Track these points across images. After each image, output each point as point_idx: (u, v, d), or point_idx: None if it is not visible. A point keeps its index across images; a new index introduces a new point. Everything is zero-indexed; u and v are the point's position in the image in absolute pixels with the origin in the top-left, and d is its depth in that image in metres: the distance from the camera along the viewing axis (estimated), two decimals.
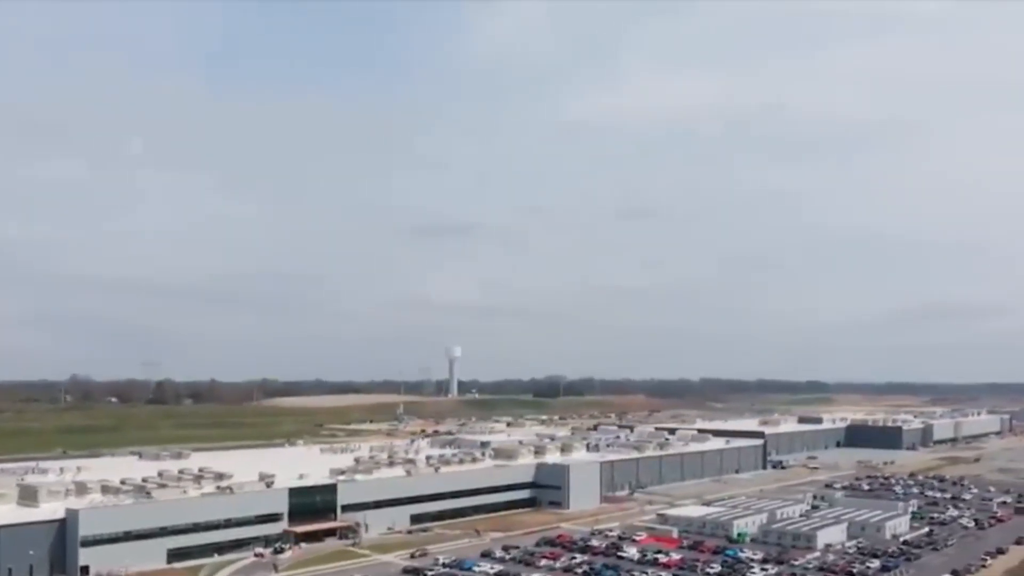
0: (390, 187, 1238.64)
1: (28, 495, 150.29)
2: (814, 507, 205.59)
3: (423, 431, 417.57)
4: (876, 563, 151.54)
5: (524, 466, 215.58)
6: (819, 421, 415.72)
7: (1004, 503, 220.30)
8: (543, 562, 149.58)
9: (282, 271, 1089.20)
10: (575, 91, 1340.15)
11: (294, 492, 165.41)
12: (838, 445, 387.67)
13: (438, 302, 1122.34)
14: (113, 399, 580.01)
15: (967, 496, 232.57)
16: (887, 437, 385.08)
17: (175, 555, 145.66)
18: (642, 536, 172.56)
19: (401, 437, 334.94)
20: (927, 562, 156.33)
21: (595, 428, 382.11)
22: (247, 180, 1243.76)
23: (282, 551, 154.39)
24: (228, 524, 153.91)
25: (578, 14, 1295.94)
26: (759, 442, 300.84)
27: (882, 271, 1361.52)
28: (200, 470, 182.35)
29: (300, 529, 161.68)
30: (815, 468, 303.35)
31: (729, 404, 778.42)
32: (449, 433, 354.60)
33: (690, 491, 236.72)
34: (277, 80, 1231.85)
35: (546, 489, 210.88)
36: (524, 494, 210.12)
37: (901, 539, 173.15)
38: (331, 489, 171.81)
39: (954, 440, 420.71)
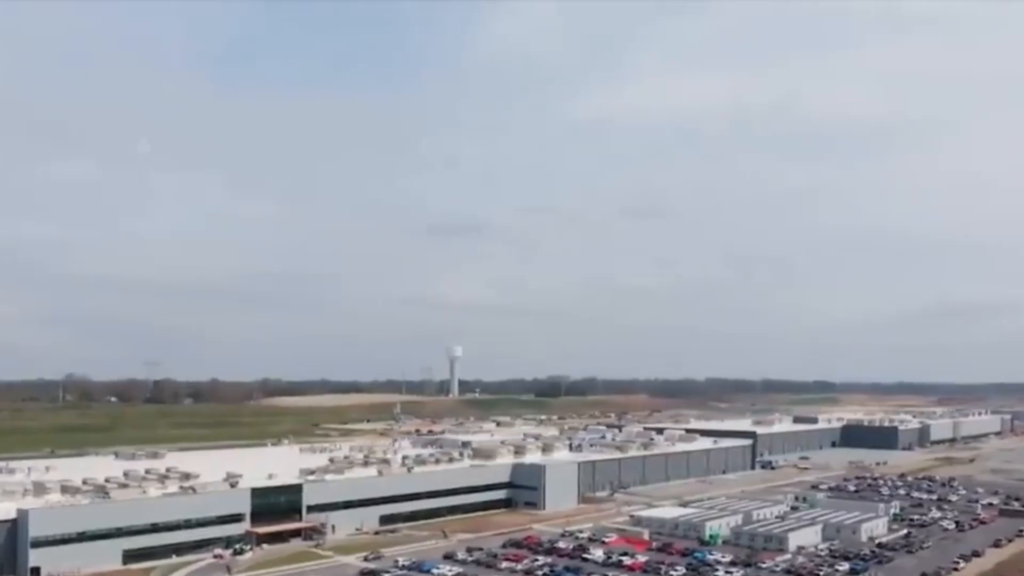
0: (399, 186, 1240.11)
1: None
2: (793, 508, 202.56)
3: (417, 431, 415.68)
4: (846, 566, 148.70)
5: (500, 466, 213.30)
6: (814, 421, 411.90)
7: (990, 505, 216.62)
8: (504, 564, 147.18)
9: (291, 271, 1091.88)
10: (584, 91, 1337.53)
11: (257, 492, 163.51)
12: (833, 445, 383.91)
13: (446, 301, 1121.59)
14: (113, 398, 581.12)
15: (953, 498, 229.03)
16: (883, 437, 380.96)
17: (131, 556, 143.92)
18: (612, 538, 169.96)
19: (394, 437, 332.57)
20: (899, 565, 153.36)
21: (584, 428, 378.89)
22: (257, 180, 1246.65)
23: (242, 552, 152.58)
24: (188, 525, 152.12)
25: (587, 14, 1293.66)
26: (747, 442, 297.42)
27: (892, 271, 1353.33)
28: (167, 470, 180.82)
29: (262, 530, 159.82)
30: (805, 468, 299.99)
31: (733, 404, 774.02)
32: (431, 432, 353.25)
33: (672, 492, 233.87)
34: (287, 80, 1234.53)
35: (522, 490, 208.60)
36: (500, 495, 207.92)
37: (877, 541, 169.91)
38: (296, 489, 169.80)
39: (952, 440, 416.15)
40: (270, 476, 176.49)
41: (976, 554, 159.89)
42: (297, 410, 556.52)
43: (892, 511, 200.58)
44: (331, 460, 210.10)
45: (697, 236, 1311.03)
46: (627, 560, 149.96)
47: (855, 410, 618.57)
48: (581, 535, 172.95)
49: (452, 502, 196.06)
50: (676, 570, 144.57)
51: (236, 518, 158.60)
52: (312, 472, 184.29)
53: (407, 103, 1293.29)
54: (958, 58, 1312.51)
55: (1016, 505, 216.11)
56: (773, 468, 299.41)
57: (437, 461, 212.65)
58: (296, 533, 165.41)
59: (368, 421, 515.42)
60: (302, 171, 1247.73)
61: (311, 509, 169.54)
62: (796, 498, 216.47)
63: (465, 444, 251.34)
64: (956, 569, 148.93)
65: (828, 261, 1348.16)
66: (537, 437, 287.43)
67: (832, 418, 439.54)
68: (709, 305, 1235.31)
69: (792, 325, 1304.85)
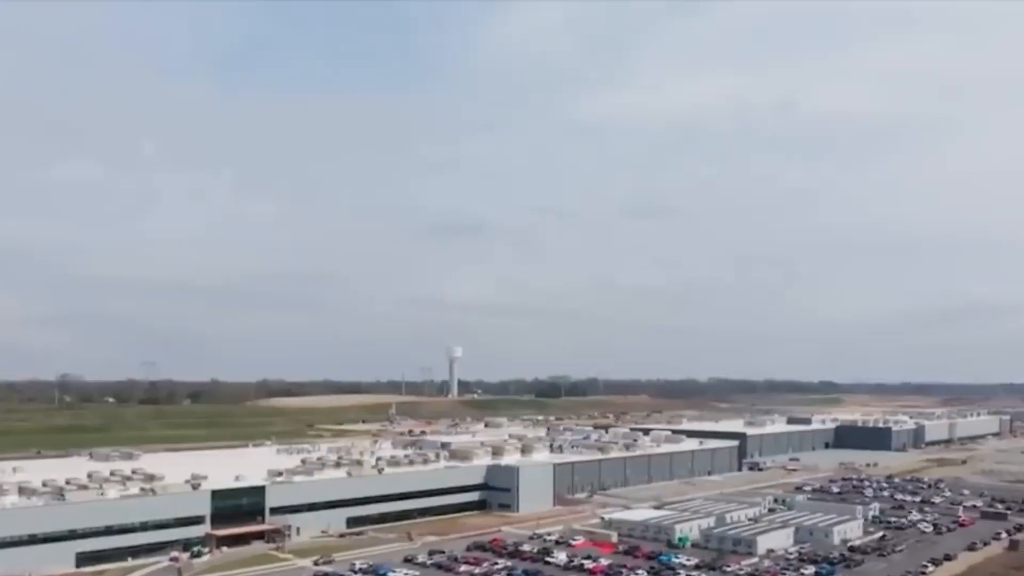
0: (402, 187, 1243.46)
1: None
2: (771, 511, 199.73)
3: (410, 431, 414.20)
4: (811, 569, 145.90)
5: (474, 468, 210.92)
6: (808, 422, 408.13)
7: (973, 507, 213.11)
8: (463, 568, 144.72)
9: (295, 271, 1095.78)
10: (588, 91, 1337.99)
11: (218, 494, 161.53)
12: (827, 447, 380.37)
13: (450, 302, 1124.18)
14: (111, 399, 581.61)
15: (937, 500, 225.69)
16: (876, 438, 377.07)
17: (85, 558, 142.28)
18: (579, 540, 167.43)
19: (375, 438, 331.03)
20: (868, 568, 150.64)
21: (568, 428, 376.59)
22: (262, 181, 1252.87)
23: (199, 555, 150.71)
24: (145, 527, 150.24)
25: (592, 15, 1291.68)
26: (734, 443, 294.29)
27: (898, 270, 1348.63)
28: (133, 472, 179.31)
29: (223, 532, 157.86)
30: (793, 470, 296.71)
31: (734, 405, 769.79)
32: (423, 433, 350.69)
33: (652, 493, 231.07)
34: (291, 81, 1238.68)
35: (496, 491, 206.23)
36: (474, 496, 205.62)
37: (849, 544, 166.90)
38: (259, 491, 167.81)
39: (949, 441, 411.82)
40: (236, 478, 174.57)
41: (948, 557, 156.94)
42: (294, 411, 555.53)
43: (871, 513, 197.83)
44: (303, 461, 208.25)
45: (701, 236, 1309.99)
46: (589, 563, 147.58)
47: (856, 411, 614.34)
48: (549, 538, 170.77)
49: (424, 504, 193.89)
50: (637, 573, 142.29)
51: (196, 520, 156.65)
52: (280, 474, 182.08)
53: (410, 104, 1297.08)
54: (962, 57, 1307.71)
55: (999, 507, 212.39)
56: (760, 469, 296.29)
57: (411, 463, 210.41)
58: (258, 535, 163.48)
59: (364, 422, 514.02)
60: (307, 172, 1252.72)
61: (275, 511, 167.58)
62: (775, 500, 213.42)
63: (444, 445, 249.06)
64: (924, 573, 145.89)
65: (833, 261, 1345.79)
66: (521, 438, 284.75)
67: (826, 419, 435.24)
68: (713, 305, 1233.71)
69: (797, 325, 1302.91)
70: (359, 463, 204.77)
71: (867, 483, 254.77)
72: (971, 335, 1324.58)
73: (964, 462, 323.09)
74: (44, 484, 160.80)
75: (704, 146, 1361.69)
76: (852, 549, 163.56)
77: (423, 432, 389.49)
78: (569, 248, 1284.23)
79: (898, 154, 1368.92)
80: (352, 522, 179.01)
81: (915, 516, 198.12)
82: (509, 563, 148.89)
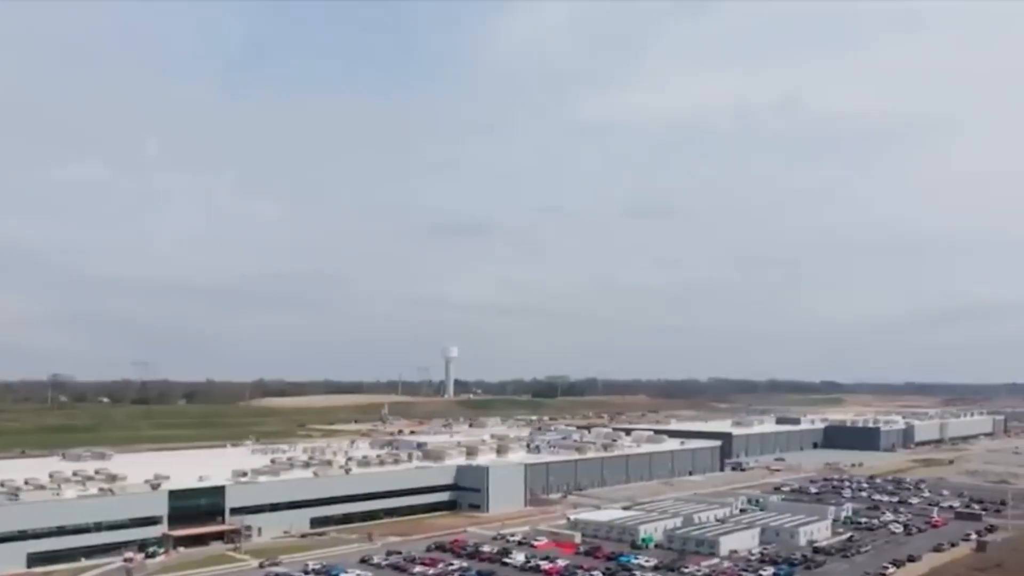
0: (405, 187, 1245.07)
1: None
2: (742, 511, 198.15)
3: (400, 431, 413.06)
4: (770, 570, 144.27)
5: (444, 468, 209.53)
6: (797, 422, 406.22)
7: (949, 507, 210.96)
8: (418, 568, 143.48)
9: (297, 271, 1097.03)
10: (591, 91, 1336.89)
11: (176, 495, 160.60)
12: (815, 447, 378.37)
13: (452, 302, 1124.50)
14: (105, 399, 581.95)
15: (914, 500, 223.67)
16: (865, 438, 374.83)
17: (36, 559, 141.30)
18: (542, 541, 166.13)
19: (352, 438, 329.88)
20: (829, 569, 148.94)
21: (540, 428, 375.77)
22: (265, 181, 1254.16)
23: (154, 555, 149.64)
24: (99, 527, 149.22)
25: (596, 15, 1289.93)
26: (716, 443, 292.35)
27: (902, 270, 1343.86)
28: (96, 472, 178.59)
29: (180, 532, 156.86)
30: (777, 470, 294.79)
31: (733, 405, 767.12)
32: (412, 433, 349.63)
33: (628, 494, 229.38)
34: (295, 81, 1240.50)
35: (466, 492, 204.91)
36: (444, 496, 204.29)
37: (815, 545, 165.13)
38: (218, 492, 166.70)
39: (939, 441, 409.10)
40: (200, 478, 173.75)
41: (912, 558, 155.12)
42: (287, 411, 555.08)
43: (843, 514, 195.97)
44: (272, 461, 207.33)
45: (703, 236, 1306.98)
46: (545, 564, 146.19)
47: (855, 411, 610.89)
48: (512, 538, 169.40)
49: (391, 504, 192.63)
50: (592, 574, 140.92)
51: (152, 520, 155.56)
52: (244, 474, 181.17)
53: (412, 103, 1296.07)
54: (967, 57, 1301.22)
55: (976, 508, 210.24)
56: (743, 470, 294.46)
57: (382, 463, 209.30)
58: (218, 536, 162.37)
59: (356, 422, 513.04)
60: (308, 172, 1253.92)
61: (235, 511, 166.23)
62: (748, 501, 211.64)
63: (420, 445, 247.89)
64: (884, 574, 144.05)
65: (835, 261, 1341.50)
66: (501, 438, 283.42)
67: (816, 419, 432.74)
68: (715, 305, 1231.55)
69: (799, 325, 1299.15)
70: (328, 463, 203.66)
71: (847, 483, 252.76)
72: (974, 335, 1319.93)
73: (951, 462, 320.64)
74: (1, 484, 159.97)
75: (706, 146, 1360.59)
76: (817, 550, 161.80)
77: (412, 432, 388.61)
78: (570, 248, 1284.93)
79: (901, 154, 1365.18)
80: (316, 522, 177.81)
81: (888, 517, 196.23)
82: (465, 564, 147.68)
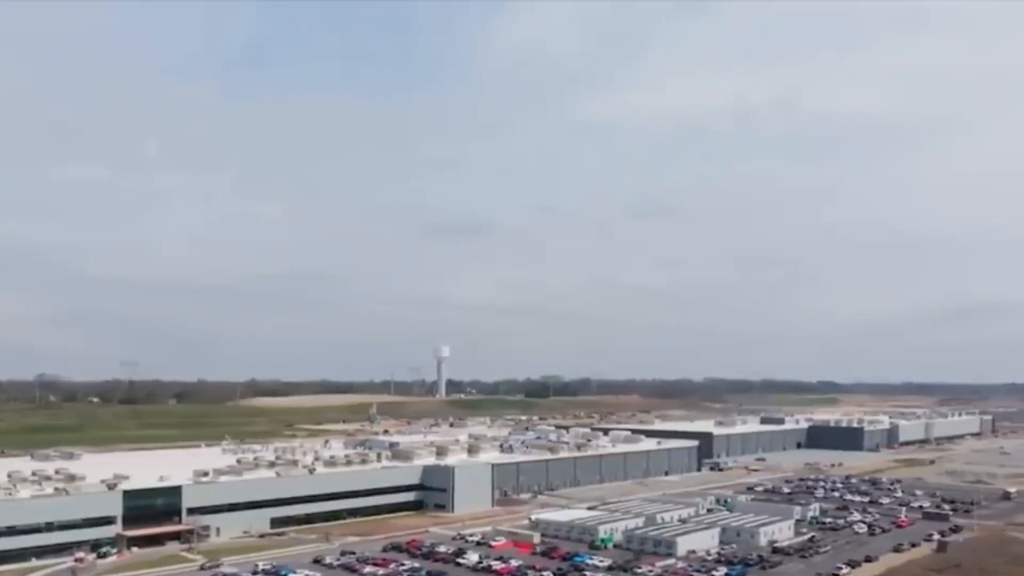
0: (406, 187, 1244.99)
1: None
2: (709, 511, 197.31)
3: (386, 431, 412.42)
4: (723, 571, 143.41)
5: (411, 468, 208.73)
6: (781, 422, 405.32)
7: (919, 508, 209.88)
8: (368, 569, 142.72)
9: (297, 271, 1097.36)
10: (592, 91, 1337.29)
11: (130, 495, 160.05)
12: (799, 446, 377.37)
13: (451, 302, 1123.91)
14: (94, 399, 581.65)
15: (885, 500, 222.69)
16: (848, 438, 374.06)
17: None
18: (500, 541, 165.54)
19: (326, 438, 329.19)
20: (784, 570, 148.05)
21: (528, 428, 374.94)
22: (264, 181, 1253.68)
23: (105, 555, 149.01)
24: (52, 527, 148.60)
25: (597, 15, 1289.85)
26: (693, 443, 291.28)
27: (903, 270, 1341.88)
28: (57, 471, 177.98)
29: (134, 533, 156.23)
30: (755, 470, 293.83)
31: (726, 404, 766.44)
32: (399, 432, 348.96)
33: (599, 493, 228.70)
34: (297, 81, 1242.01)
35: (433, 491, 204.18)
36: (410, 497, 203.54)
37: (775, 545, 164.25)
38: (175, 492, 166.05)
39: (924, 442, 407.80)
40: (161, 478, 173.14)
41: (869, 559, 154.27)
42: (276, 410, 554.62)
43: (810, 514, 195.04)
44: (238, 461, 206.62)
45: (704, 236, 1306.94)
46: (498, 565, 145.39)
47: (846, 411, 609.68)
48: (471, 538, 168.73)
49: (356, 504, 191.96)
50: (543, 575, 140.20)
51: (106, 520, 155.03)
52: (206, 474, 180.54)
53: (412, 104, 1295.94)
54: (969, 57, 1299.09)
55: (946, 508, 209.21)
56: (721, 469, 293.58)
57: (348, 463, 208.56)
58: (174, 536, 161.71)
59: (344, 422, 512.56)
60: (310, 172, 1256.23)
61: (192, 511, 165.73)
62: (717, 501, 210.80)
63: (392, 445, 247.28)
64: (836, 575, 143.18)
65: (836, 261, 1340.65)
66: (479, 438, 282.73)
67: (801, 419, 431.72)
68: (715, 305, 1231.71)
69: (799, 325, 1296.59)
70: (294, 463, 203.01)
71: (821, 484, 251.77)
72: (974, 335, 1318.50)
73: (932, 462, 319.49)
74: None
75: (707, 146, 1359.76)
76: (776, 550, 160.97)
77: (390, 432, 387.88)
78: (570, 248, 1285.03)
79: (902, 154, 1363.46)
80: (277, 522, 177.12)
81: (855, 517, 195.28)
82: (418, 564, 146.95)
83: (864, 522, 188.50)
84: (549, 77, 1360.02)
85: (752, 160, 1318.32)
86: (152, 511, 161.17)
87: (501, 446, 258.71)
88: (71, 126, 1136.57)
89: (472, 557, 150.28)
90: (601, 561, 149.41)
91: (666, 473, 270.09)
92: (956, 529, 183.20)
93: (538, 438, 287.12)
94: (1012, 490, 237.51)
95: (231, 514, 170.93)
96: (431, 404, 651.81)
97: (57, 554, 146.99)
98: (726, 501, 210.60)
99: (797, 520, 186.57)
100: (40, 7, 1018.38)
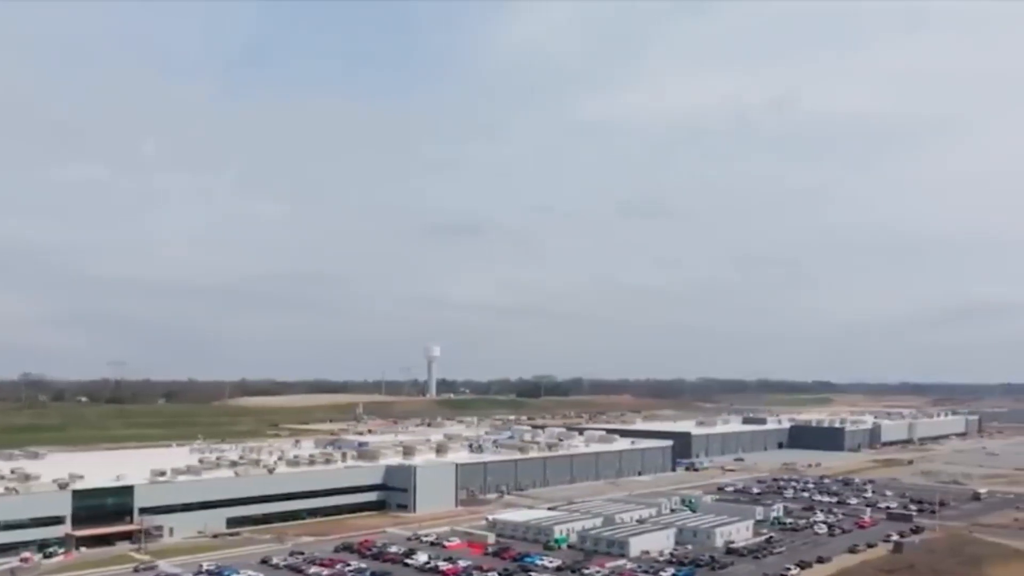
0: (405, 187, 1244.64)
1: None
2: (673, 511, 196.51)
3: (369, 431, 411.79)
4: (670, 571, 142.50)
5: (374, 468, 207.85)
6: (763, 422, 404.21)
7: (886, 508, 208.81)
8: (313, 570, 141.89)
9: (296, 271, 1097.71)
10: (591, 91, 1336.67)
11: (80, 494, 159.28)
12: (780, 447, 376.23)
13: (450, 301, 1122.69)
14: (83, 398, 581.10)
15: (853, 500, 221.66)
16: (829, 438, 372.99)
17: None
18: (454, 542, 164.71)
19: (296, 438, 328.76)
20: (735, 571, 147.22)
21: (494, 427, 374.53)
22: (264, 181, 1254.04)
23: (51, 555, 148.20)
24: None
25: (597, 15, 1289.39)
26: (667, 443, 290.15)
27: (903, 270, 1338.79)
28: (12, 471, 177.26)
29: (84, 532, 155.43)
30: (731, 470, 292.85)
31: (718, 404, 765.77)
32: (370, 432, 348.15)
33: (568, 493, 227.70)
34: (297, 82, 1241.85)
35: (395, 492, 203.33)
36: (372, 496, 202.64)
37: (730, 546, 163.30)
38: (127, 491, 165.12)
39: (908, 441, 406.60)
40: (118, 477, 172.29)
41: (821, 560, 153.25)
42: (263, 410, 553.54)
43: (773, 514, 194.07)
44: (200, 461, 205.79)
45: (703, 236, 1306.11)
46: (445, 565, 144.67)
47: (832, 411, 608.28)
48: (426, 539, 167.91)
49: (316, 504, 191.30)
50: (488, 575, 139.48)
51: (55, 520, 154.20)
52: (163, 473, 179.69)
53: (412, 104, 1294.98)
54: (969, 57, 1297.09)
55: (913, 508, 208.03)
56: (696, 470, 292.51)
57: (312, 463, 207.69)
58: (125, 535, 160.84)
59: (331, 421, 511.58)
60: (310, 172, 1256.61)
61: (144, 511, 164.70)
62: (682, 501, 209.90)
63: (361, 445, 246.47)
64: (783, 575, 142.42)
65: (836, 261, 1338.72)
66: (453, 438, 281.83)
67: (784, 419, 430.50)
68: (713, 305, 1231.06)
69: (798, 325, 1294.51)
70: (256, 463, 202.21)
71: (792, 484, 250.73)
72: (974, 335, 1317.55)
73: (910, 463, 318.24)
74: None
75: (706, 145, 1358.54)
76: (731, 551, 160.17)
77: (371, 432, 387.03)
78: (569, 248, 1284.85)
79: (901, 154, 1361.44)
80: (233, 522, 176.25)
81: (818, 517, 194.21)
82: (364, 565, 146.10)
83: (826, 523, 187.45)
84: (549, 77, 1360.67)
85: (751, 160, 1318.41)
86: (103, 511, 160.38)
87: (471, 446, 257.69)
88: (71, 126, 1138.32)
89: (420, 558, 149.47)
90: (551, 562, 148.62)
91: (639, 473, 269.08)
92: (917, 530, 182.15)
93: (510, 437, 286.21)
94: (982, 491, 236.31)
95: (185, 514, 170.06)
96: (420, 404, 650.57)
97: (3, 554, 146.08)
98: (691, 502, 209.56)
99: (759, 520, 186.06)
100: (40, 7, 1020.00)
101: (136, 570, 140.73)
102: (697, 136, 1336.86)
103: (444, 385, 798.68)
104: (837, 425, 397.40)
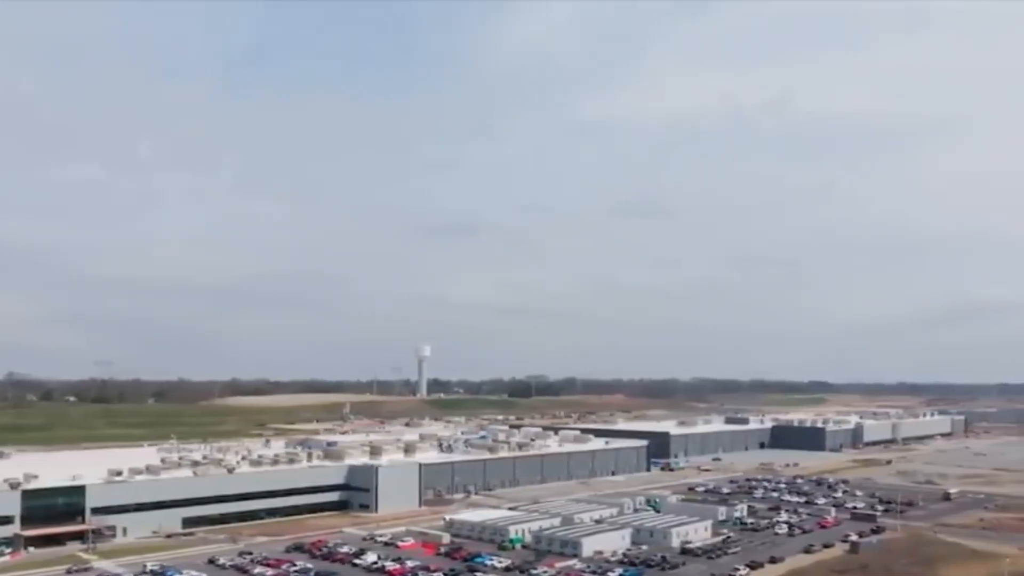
0: (404, 187, 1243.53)
1: None
2: (637, 511, 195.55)
3: (352, 431, 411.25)
4: (618, 571, 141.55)
5: (337, 468, 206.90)
6: (745, 422, 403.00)
7: (852, 508, 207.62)
8: (258, 570, 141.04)
9: (296, 271, 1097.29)
10: (590, 91, 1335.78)
11: (30, 494, 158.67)
12: (762, 446, 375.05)
13: (448, 301, 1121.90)
14: (71, 398, 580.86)
15: (821, 500, 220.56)
16: (810, 438, 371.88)
17: None
18: (408, 542, 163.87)
19: (266, 438, 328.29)
20: (685, 571, 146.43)
21: (481, 427, 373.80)
22: (263, 181, 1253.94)
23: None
24: None
25: (596, 15, 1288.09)
26: (642, 443, 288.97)
27: (902, 270, 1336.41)
28: None
29: (33, 532, 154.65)
30: (707, 470, 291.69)
31: (711, 404, 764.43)
32: (353, 432, 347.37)
33: (537, 493, 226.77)
34: (293, 82, 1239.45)
35: (357, 492, 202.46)
36: (334, 496, 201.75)
37: (685, 546, 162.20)
38: (78, 491, 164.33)
39: (891, 441, 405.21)
40: (73, 477, 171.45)
41: (774, 560, 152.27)
42: (250, 410, 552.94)
43: (735, 514, 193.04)
44: (163, 460, 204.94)
45: (703, 236, 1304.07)
46: (392, 566, 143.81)
47: (818, 411, 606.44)
48: (380, 539, 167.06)
49: (276, 504, 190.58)
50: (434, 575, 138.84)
51: (5, 520, 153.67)
52: (119, 473, 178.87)
53: (411, 104, 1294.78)
54: (969, 57, 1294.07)
55: (879, 509, 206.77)
56: (672, 470, 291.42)
57: (275, 462, 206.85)
58: (76, 535, 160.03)
59: (318, 421, 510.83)
60: (310, 172, 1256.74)
61: (97, 511, 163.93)
62: (647, 501, 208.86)
63: (330, 444, 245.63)
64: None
65: (836, 261, 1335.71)
66: (426, 437, 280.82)
67: (766, 419, 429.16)
68: (713, 305, 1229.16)
69: (798, 325, 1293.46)
70: (217, 462, 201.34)
71: (764, 484, 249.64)
72: (973, 335, 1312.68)
73: (888, 463, 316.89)
74: None
75: (706, 145, 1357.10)
76: (685, 551, 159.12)
77: (370, 431, 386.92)
78: (568, 248, 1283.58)
79: (901, 154, 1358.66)
80: (189, 522, 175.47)
81: (781, 517, 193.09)
82: (311, 565, 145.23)
83: (787, 523, 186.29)
84: (549, 77, 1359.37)
85: (751, 160, 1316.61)
86: (54, 511, 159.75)
87: (440, 445, 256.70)
88: (71, 126, 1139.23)
89: (369, 558, 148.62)
90: (500, 562, 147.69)
91: (613, 473, 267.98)
92: (878, 530, 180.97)
93: (483, 437, 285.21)
94: (953, 491, 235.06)
95: (139, 514, 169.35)
96: (409, 403, 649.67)
97: None
98: (655, 502, 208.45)
99: (721, 521, 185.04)
100: (40, 7, 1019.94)
101: (69, 571, 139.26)
102: (697, 136, 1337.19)
103: (438, 385, 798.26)
104: (819, 425, 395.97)
